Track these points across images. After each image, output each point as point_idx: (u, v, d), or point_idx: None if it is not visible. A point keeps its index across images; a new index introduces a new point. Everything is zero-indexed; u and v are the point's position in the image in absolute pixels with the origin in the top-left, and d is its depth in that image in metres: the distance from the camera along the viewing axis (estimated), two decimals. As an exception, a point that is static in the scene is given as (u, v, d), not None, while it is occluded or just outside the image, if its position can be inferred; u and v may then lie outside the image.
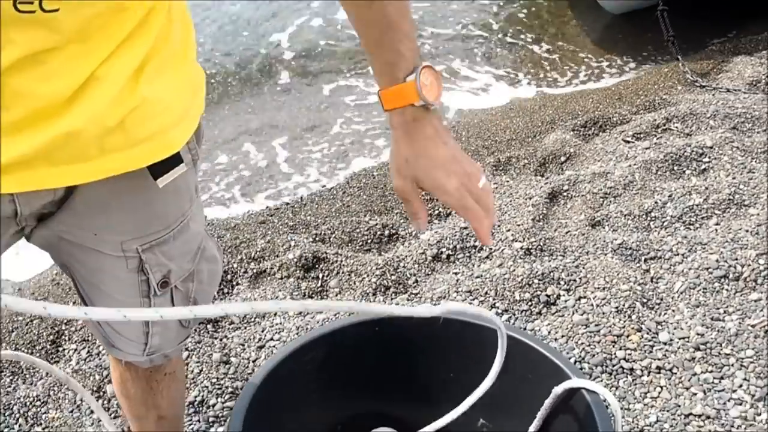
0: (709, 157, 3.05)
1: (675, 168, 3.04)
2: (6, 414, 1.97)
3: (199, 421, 1.89)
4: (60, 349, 2.23)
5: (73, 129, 0.89)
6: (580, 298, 2.27)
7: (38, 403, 2.00)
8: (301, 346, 1.50)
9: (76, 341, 2.23)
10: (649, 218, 2.74)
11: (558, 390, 1.40)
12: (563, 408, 1.43)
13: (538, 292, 2.30)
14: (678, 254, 2.49)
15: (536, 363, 1.46)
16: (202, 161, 3.59)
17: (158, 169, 1.01)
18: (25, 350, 2.20)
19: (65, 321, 2.31)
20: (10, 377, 2.11)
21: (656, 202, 2.78)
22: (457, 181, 1.03)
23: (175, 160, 1.03)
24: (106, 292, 1.14)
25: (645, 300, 2.26)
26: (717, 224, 2.67)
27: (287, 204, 3.10)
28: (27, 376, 2.11)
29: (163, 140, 1.00)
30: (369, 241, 2.75)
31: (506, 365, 1.53)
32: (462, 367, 1.60)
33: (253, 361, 2.11)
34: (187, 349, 2.11)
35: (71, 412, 1.97)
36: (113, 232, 1.06)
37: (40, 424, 1.95)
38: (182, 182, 1.10)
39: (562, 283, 2.34)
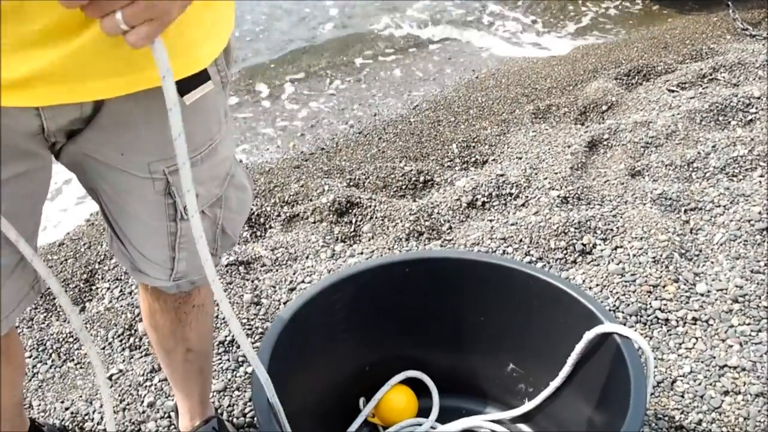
0: (756, 108, 2.96)
1: (720, 118, 2.96)
2: (39, 350, 2.00)
3: (228, 360, 1.89)
4: (93, 287, 2.25)
5: (100, 42, 0.87)
6: (616, 248, 2.23)
7: (71, 340, 2.02)
8: (330, 284, 1.50)
9: (109, 280, 2.25)
10: (690, 169, 2.68)
11: (590, 335, 1.37)
12: (594, 354, 1.41)
13: (574, 241, 2.26)
14: (719, 206, 2.43)
15: (568, 308, 1.44)
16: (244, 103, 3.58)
17: (185, 85, 0.99)
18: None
19: (99, 260, 2.33)
20: (44, 314, 2.13)
21: (699, 153, 2.71)
22: None
23: (202, 77, 1.01)
24: (132, 214, 1.13)
25: (683, 251, 2.21)
26: (761, 176, 2.59)
27: (322, 149, 3.07)
28: (60, 313, 2.13)
29: (191, 56, 0.98)
30: (403, 186, 2.72)
31: (537, 309, 1.51)
32: (494, 310, 1.58)
33: (284, 303, 2.10)
34: (219, 289, 2.11)
35: (103, 348, 1.99)
36: (140, 151, 1.05)
37: (72, 360, 1.98)
38: (211, 103, 1.08)
39: (598, 232, 2.30)
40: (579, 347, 1.41)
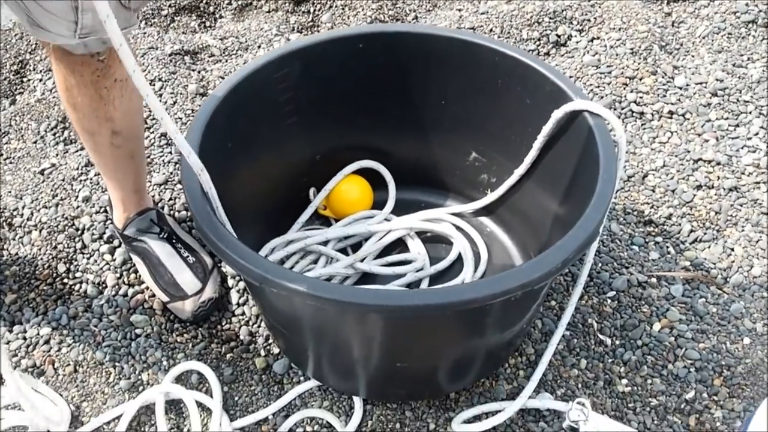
0: None
1: None
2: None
3: (170, 153, 1.75)
4: (24, 79, 2.07)
5: None
6: (593, 39, 2.07)
7: None
8: (273, 59, 1.33)
9: (41, 71, 2.06)
10: (676, -42, 2.48)
11: (558, 114, 1.24)
12: (563, 136, 1.28)
13: (548, 31, 2.10)
14: (704, -3, 2.25)
15: (537, 86, 1.29)
16: None
17: None
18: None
19: (30, 50, 2.13)
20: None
21: (686, -59, 2.51)
22: None
23: None
24: None
25: (664, 44, 2.06)
26: (751, -33, 2.41)
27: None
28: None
29: None
30: (366, -26, 2.51)
31: (503, 89, 1.37)
32: (456, 91, 1.44)
33: (234, 95, 1.94)
34: (160, 80, 1.94)
35: (35, 143, 1.84)
36: None
37: (1, 154, 1.83)
38: None
39: (575, 22, 2.13)
40: (546, 128, 1.27)
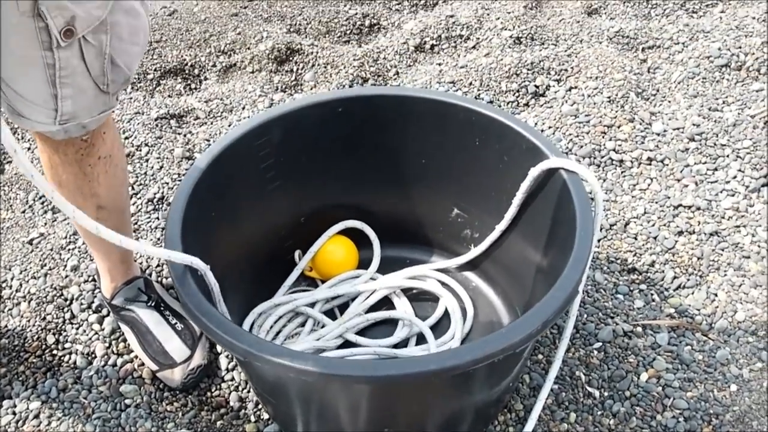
0: (720, -61, 2.79)
1: (682, -49, 2.79)
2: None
3: (158, 218, 1.77)
4: (14, 146, 2.09)
5: None
6: (570, 89, 2.11)
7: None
8: (254, 126, 1.36)
9: (29, 139, 2.09)
10: (650, 5, 2.53)
11: (535, 171, 1.26)
12: (541, 192, 1.30)
13: (527, 83, 2.13)
14: (678, 43, 2.30)
15: (513, 143, 1.32)
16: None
17: None
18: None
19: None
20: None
21: (659, -13, 2.56)
22: None
23: None
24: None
25: (640, 90, 2.09)
26: (722, 12, 2.46)
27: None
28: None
29: None
30: (348, 31, 2.55)
31: (480, 147, 1.40)
32: (435, 150, 1.47)
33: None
34: (146, 144, 1.97)
35: (23, 212, 1.86)
36: None
37: (-10, 222, 1.85)
38: None
39: (552, 72, 2.17)
40: (524, 185, 1.30)
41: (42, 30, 0.96)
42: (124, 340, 1.52)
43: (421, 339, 1.46)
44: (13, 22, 0.94)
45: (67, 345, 1.53)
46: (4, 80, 1.02)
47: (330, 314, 1.50)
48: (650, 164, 1.85)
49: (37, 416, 1.41)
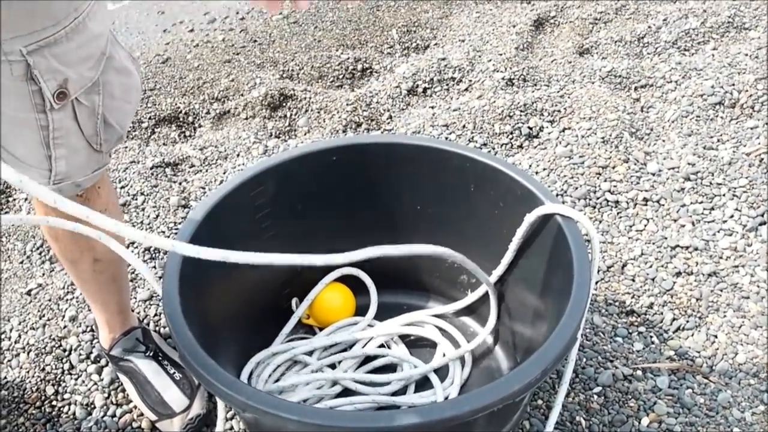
0: (708, -22, 2.83)
1: (671, -9, 2.83)
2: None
3: (155, 267, 1.77)
4: (10, 199, 2.09)
5: None
6: (564, 130, 2.12)
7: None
8: (248, 178, 1.37)
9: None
10: (641, 44, 2.56)
11: (531, 217, 1.27)
12: (537, 238, 1.31)
13: (520, 124, 2.15)
14: (671, 81, 2.32)
15: (508, 189, 1.32)
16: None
17: None
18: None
19: (15, 167, 2.16)
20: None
21: (650, 27, 2.59)
22: None
23: None
24: None
25: (634, 130, 2.11)
26: (714, 49, 2.48)
27: (255, 41, 2.88)
28: (-23, 226, 1.99)
29: None
30: (340, 76, 2.57)
31: (475, 194, 1.40)
32: (430, 197, 1.47)
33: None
34: (142, 194, 1.97)
35: (21, 263, 1.86)
36: None
37: (-12, 274, 1.84)
38: None
39: (545, 114, 2.18)
40: (520, 231, 1.30)
41: (35, 93, 0.97)
42: (123, 391, 1.51)
43: (418, 386, 1.45)
44: (6, 86, 0.95)
45: (66, 396, 1.52)
46: (0, 144, 1.03)
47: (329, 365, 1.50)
48: (646, 205, 1.86)
49: (35, 471, 1.40)
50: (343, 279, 1.59)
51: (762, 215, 1.78)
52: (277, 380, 1.45)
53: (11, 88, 0.95)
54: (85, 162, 1.11)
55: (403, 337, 1.53)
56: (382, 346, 1.52)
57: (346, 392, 1.43)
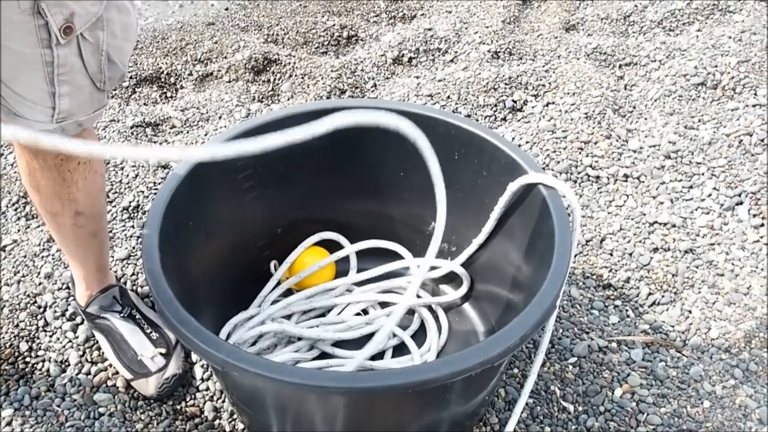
0: (696, -40, 2.83)
1: (658, -29, 2.83)
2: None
3: (133, 227, 1.76)
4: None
5: None
6: (548, 104, 2.13)
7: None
8: (231, 137, 1.35)
9: (2, 145, 2.06)
10: (627, 22, 2.56)
11: (513, 186, 1.27)
12: (519, 207, 1.31)
13: (504, 97, 2.15)
14: (655, 60, 2.33)
15: (492, 158, 1.33)
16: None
17: None
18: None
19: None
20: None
21: (636, 6, 2.59)
22: None
23: None
24: None
25: (617, 107, 2.12)
26: (699, 30, 2.49)
27: (239, 4, 2.84)
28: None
29: None
30: (326, 43, 2.55)
31: (459, 161, 1.40)
32: (413, 164, 1.45)
33: (196, 166, 1.96)
34: (123, 152, 1.95)
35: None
36: None
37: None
38: None
39: (530, 87, 2.18)
40: (502, 200, 1.31)
41: (42, 28, 0.97)
42: (99, 349, 1.51)
43: (396, 351, 1.46)
44: (13, 20, 0.95)
45: (40, 353, 1.51)
46: (2, 80, 1.02)
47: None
48: (626, 181, 1.87)
49: (9, 423, 1.39)
50: (323, 243, 1.59)
51: (739, 195, 1.80)
52: (254, 343, 1.45)
53: (17, 23, 0.95)
54: (87, 100, 1.11)
55: (382, 304, 1.54)
56: (359, 314, 1.52)
57: (324, 356, 1.44)
